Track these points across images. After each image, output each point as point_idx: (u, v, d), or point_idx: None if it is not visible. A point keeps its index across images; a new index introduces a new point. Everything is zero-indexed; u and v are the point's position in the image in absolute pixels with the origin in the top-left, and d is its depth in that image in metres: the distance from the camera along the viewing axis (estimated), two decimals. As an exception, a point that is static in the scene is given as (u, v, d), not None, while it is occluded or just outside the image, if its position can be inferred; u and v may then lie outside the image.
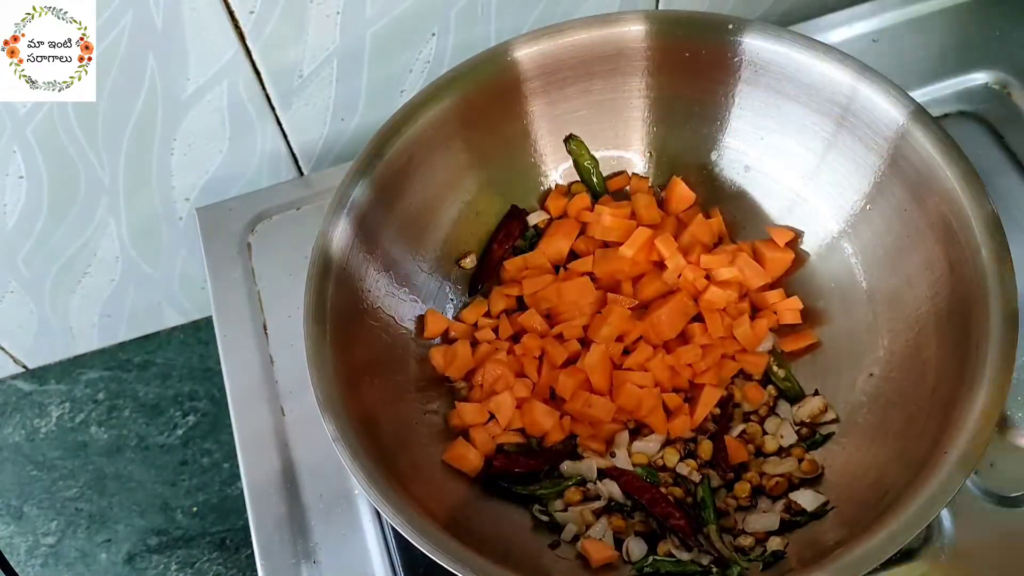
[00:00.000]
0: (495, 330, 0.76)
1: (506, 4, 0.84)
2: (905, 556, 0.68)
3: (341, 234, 0.69)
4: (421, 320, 0.76)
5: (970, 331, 0.63)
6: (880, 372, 0.71)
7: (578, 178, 0.81)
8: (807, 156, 0.75)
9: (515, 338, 0.76)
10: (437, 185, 0.76)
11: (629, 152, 0.81)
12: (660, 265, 0.77)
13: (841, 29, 0.91)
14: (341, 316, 0.68)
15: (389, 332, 0.73)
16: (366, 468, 0.61)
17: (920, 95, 0.86)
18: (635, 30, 0.74)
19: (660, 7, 0.92)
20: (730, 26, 0.73)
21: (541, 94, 0.77)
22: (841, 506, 0.67)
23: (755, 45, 0.72)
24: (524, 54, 0.74)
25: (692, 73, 0.75)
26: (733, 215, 0.80)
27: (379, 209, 0.72)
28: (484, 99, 0.75)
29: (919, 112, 0.68)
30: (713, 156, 0.79)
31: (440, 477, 0.70)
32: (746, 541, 0.67)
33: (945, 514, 0.69)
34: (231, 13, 0.74)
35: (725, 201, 0.80)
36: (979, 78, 0.88)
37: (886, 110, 0.69)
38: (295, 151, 0.90)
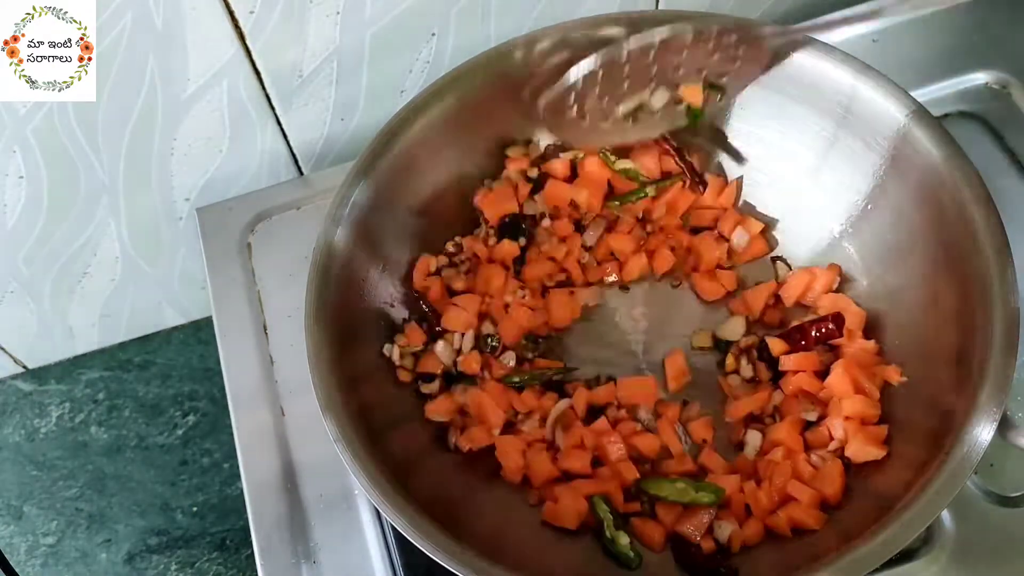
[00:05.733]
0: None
1: (506, 4, 0.84)
2: (905, 556, 0.68)
3: (342, 235, 0.69)
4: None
5: (971, 331, 0.63)
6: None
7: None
8: (808, 156, 0.75)
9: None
10: (439, 186, 0.76)
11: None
12: None
13: (841, 29, 0.90)
14: (342, 316, 0.68)
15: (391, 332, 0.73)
16: (367, 468, 0.61)
17: (920, 95, 0.85)
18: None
19: (660, 7, 0.92)
20: (731, 26, 0.72)
21: (542, 94, 0.77)
22: (842, 507, 0.67)
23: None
24: (524, 55, 0.74)
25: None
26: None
27: (380, 210, 0.72)
28: (485, 100, 0.75)
29: (920, 111, 0.68)
30: (713, 156, 0.79)
31: (441, 477, 0.70)
32: None
33: (945, 514, 0.69)
34: (231, 13, 0.74)
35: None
36: (979, 78, 0.88)
37: (887, 109, 0.69)
38: (295, 151, 0.90)
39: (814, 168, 0.75)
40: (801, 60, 0.71)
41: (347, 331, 0.68)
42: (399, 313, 0.75)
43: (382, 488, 0.60)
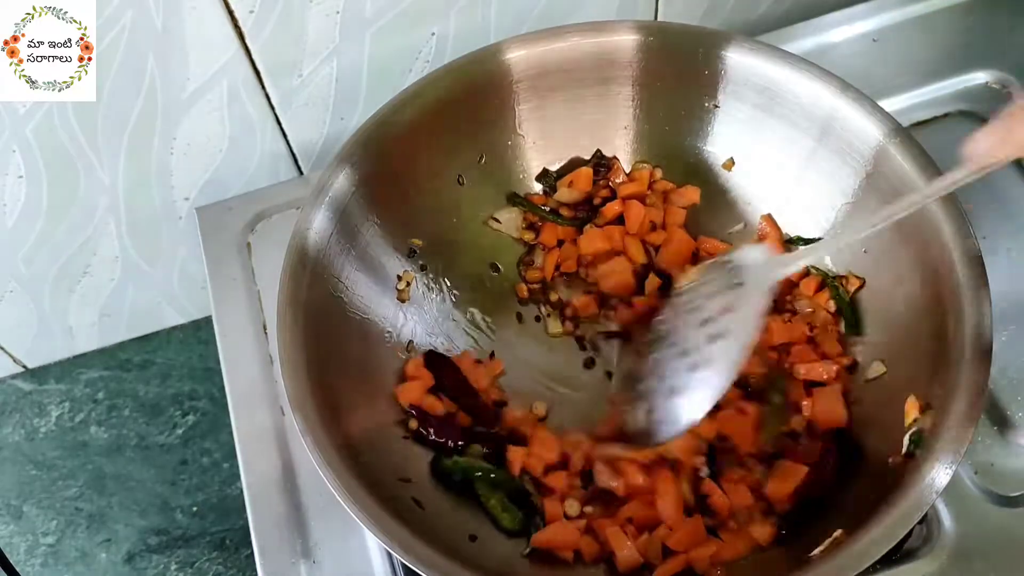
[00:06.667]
0: None
1: (506, 4, 0.84)
2: (906, 556, 0.68)
3: (320, 223, 0.69)
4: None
5: (946, 335, 0.63)
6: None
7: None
8: (789, 167, 0.76)
9: None
10: (423, 180, 0.76)
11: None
12: None
13: (841, 29, 0.91)
14: (317, 306, 0.68)
15: (369, 330, 0.74)
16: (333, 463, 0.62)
17: (920, 95, 0.86)
18: (627, 39, 0.75)
19: (660, 8, 0.92)
20: (719, 41, 0.73)
21: (531, 97, 0.77)
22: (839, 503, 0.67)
23: (741, 61, 0.73)
24: (516, 56, 0.75)
25: (680, 85, 0.76)
26: (715, 219, 0.81)
27: (362, 202, 0.72)
28: (474, 97, 0.75)
29: (897, 130, 0.69)
30: (696, 165, 0.80)
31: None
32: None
33: (945, 514, 0.69)
34: (231, 13, 0.74)
35: (708, 209, 0.81)
36: (979, 78, 0.88)
37: (864, 127, 0.70)
38: (295, 151, 0.90)
39: (793, 180, 0.76)
40: (784, 76, 0.72)
41: (322, 322, 0.68)
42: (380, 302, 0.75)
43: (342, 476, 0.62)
